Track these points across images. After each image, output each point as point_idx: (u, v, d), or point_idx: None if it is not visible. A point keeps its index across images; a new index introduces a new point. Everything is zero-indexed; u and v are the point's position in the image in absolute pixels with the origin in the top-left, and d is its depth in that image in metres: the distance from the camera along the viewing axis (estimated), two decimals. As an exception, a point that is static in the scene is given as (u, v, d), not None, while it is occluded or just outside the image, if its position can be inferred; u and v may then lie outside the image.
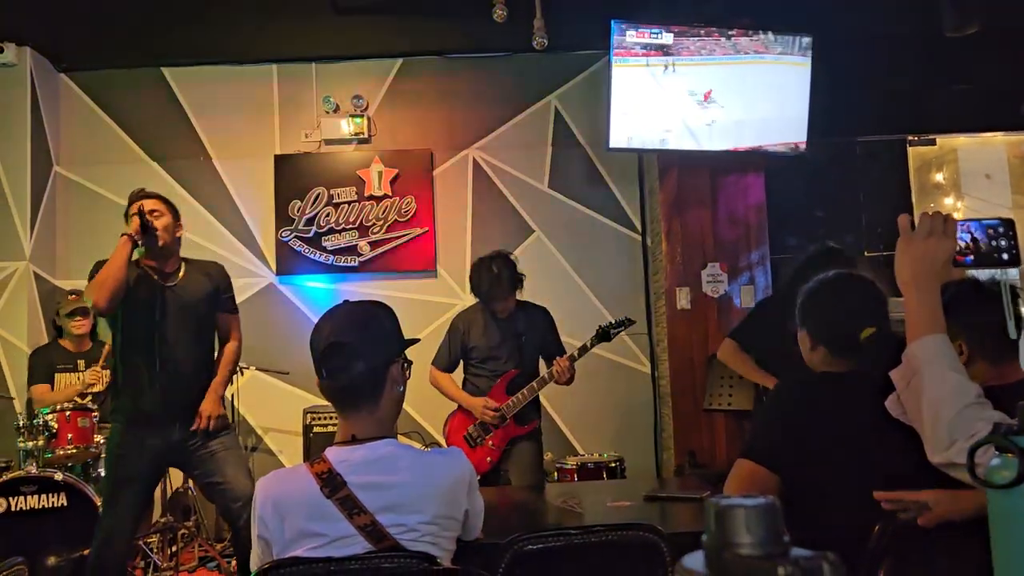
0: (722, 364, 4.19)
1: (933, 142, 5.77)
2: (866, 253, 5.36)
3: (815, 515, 1.82)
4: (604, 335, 3.90)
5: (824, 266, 3.72)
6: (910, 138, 5.64)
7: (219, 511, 3.75)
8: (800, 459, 1.84)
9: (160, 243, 3.23)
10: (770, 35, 4.77)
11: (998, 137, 6.06)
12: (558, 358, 3.82)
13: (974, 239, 1.53)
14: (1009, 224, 1.53)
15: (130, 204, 3.31)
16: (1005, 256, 1.51)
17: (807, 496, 1.81)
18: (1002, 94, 5.35)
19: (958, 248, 1.51)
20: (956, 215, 1.55)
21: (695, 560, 0.44)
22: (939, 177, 6.22)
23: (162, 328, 3.21)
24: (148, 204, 3.28)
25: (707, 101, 4.77)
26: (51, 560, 3.73)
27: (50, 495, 3.80)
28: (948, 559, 1.61)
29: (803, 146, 4.88)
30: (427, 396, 3.95)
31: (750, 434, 2.00)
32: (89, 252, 3.59)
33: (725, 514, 0.43)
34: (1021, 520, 0.88)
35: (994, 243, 1.51)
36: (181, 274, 3.33)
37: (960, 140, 6.07)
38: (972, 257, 1.52)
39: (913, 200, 5.64)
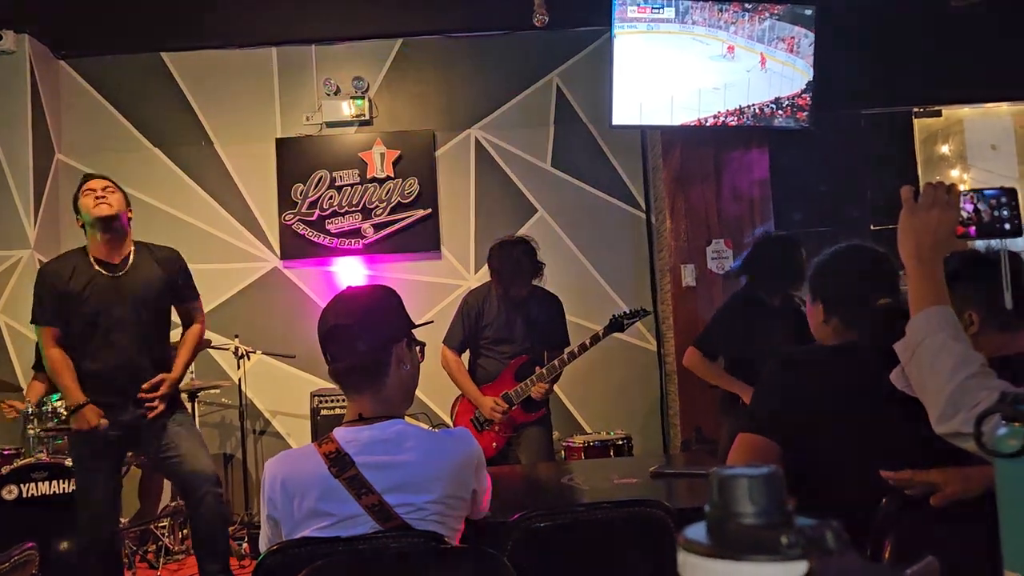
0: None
1: (939, 113, 5.73)
2: (872, 227, 5.33)
3: (819, 486, 1.82)
4: (617, 325, 3.85)
5: (775, 251, 3.72)
6: (915, 110, 5.59)
7: (177, 487, 3.73)
8: (801, 429, 1.84)
9: (113, 220, 3.30)
10: (774, 17, 4.73)
11: (1004, 107, 6.02)
12: (535, 380, 3.78)
13: (976, 210, 1.51)
14: (1011, 193, 1.52)
15: (78, 188, 3.39)
16: (1007, 226, 1.49)
17: (809, 467, 1.81)
18: (1008, 64, 5.29)
19: (961, 219, 1.49)
20: (963, 186, 1.54)
21: (698, 531, 0.44)
22: (945, 149, 6.18)
23: (109, 318, 3.27)
24: (98, 183, 3.35)
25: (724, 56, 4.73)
26: (63, 545, 3.77)
27: (60, 481, 3.83)
28: (954, 533, 1.61)
29: (809, 99, 4.85)
30: (435, 378, 3.95)
31: (748, 409, 1.99)
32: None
33: (728, 484, 0.43)
34: (1028, 489, 0.88)
35: (996, 213, 1.50)
36: (131, 262, 3.37)
37: (966, 111, 6.03)
38: (975, 228, 1.51)
39: (919, 172, 5.60)
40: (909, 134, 5.60)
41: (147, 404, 3.27)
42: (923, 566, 0.57)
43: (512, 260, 3.77)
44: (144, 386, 3.27)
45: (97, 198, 3.30)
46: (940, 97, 5.52)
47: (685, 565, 0.42)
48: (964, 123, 6.17)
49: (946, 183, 1.53)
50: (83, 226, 3.41)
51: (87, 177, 3.44)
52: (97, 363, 3.27)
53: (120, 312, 3.28)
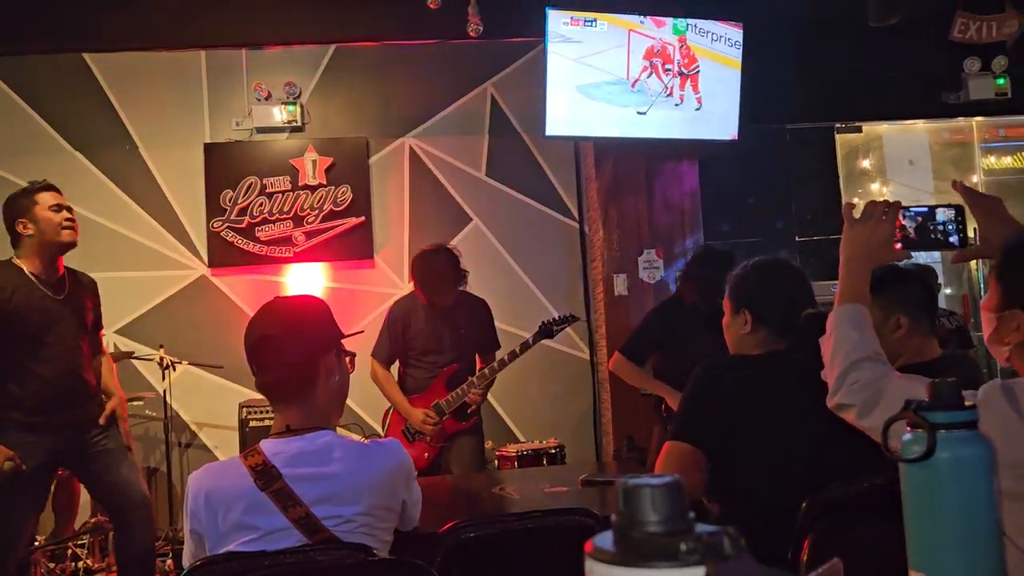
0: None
1: (859, 129, 5.95)
2: (797, 238, 5.49)
3: (744, 493, 1.87)
4: (547, 332, 3.87)
5: (713, 265, 3.83)
6: (837, 125, 5.79)
7: (109, 509, 3.56)
8: (727, 436, 1.88)
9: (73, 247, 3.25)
10: (704, 31, 4.83)
11: (920, 124, 6.28)
12: (473, 389, 3.78)
13: (923, 224, 1.67)
14: (959, 210, 1.70)
15: (32, 194, 3.22)
16: (952, 239, 1.70)
17: (736, 474, 1.86)
18: (925, 82, 5.53)
19: (906, 232, 1.66)
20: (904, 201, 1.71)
21: (605, 539, 0.45)
22: (866, 163, 6.42)
23: (55, 339, 3.17)
24: (63, 198, 3.26)
25: (634, 88, 4.79)
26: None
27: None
28: (872, 534, 1.67)
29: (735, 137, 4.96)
30: (368, 389, 3.92)
31: (675, 417, 2.04)
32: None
33: (632, 493, 0.44)
34: (930, 492, 0.92)
35: (943, 228, 1.66)
36: (68, 284, 3.27)
37: (884, 127, 6.27)
38: (917, 240, 1.66)
39: (841, 186, 5.79)
40: (831, 149, 5.81)
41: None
42: (827, 568, 0.59)
43: (435, 270, 3.75)
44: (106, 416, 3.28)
45: (68, 220, 3.20)
46: (860, 113, 5.74)
47: (592, 573, 0.43)
48: (883, 139, 6.42)
49: (890, 200, 1.68)
50: (14, 236, 3.21)
51: (45, 186, 3.27)
52: (38, 384, 3.13)
53: (64, 334, 3.18)
